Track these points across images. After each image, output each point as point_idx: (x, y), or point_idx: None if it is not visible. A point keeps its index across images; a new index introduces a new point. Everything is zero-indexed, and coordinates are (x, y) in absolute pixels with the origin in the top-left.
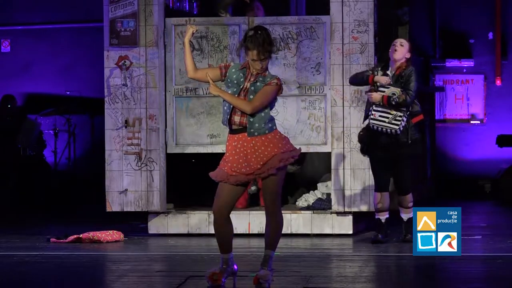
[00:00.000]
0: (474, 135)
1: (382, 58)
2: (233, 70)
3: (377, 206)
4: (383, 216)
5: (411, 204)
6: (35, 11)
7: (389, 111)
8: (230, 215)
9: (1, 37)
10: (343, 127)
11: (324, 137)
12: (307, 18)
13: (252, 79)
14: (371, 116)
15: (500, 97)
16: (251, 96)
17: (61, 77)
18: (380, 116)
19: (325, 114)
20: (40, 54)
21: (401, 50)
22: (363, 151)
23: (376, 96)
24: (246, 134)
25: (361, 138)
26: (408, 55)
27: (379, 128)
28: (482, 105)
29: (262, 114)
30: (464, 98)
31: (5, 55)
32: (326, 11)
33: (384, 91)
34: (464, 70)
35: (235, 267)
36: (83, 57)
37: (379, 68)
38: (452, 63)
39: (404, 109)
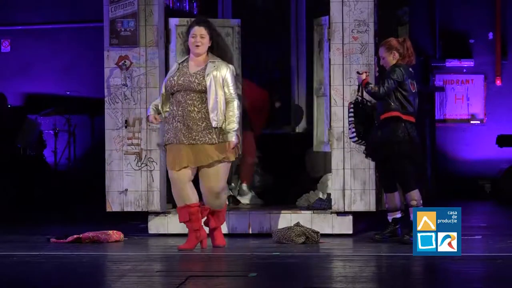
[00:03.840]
0: (474, 135)
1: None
2: None
3: (385, 206)
4: (390, 216)
5: (414, 203)
6: (35, 11)
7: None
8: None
9: (1, 37)
10: (343, 127)
11: (324, 137)
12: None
13: None
14: None
15: (500, 97)
16: None
17: (61, 77)
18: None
19: (325, 114)
20: (40, 54)
21: (385, 62)
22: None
23: (362, 76)
24: None
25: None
26: (393, 55)
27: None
28: (482, 105)
29: None
30: (464, 98)
31: (5, 55)
32: (326, 11)
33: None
34: (464, 70)
35: None
36: (83, 57)
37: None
38: (452, 63)
39: (352, 118)
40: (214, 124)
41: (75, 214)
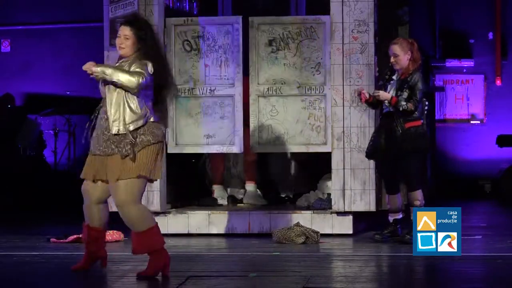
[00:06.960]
0: (474, 135)
1: (382, 58)
2: None
3: (387, 207)
4: (392, 217)
5: (418, 203)
6: (35, 11)
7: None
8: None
9: (1, 37)
10: (343, 127)
11: (324, 137)
12: (307, 18)
13: None
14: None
15: (500, 97)
16: None
17: (61, 77)
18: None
19: (325, 114)
20: (40, 54)
21: (398, 60)
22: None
23: (385, 94)
24: None
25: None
26: (408, 56)
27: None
28: (482, 105)
29: None
30: (464, 98)
31: (5, 55)
32: (326, 11)
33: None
34: (464, 70)
35: None
36: (83, 57)
37: (389, 73)
38: (452, 63)
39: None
40: (114, 130)
41: (75, 214)
